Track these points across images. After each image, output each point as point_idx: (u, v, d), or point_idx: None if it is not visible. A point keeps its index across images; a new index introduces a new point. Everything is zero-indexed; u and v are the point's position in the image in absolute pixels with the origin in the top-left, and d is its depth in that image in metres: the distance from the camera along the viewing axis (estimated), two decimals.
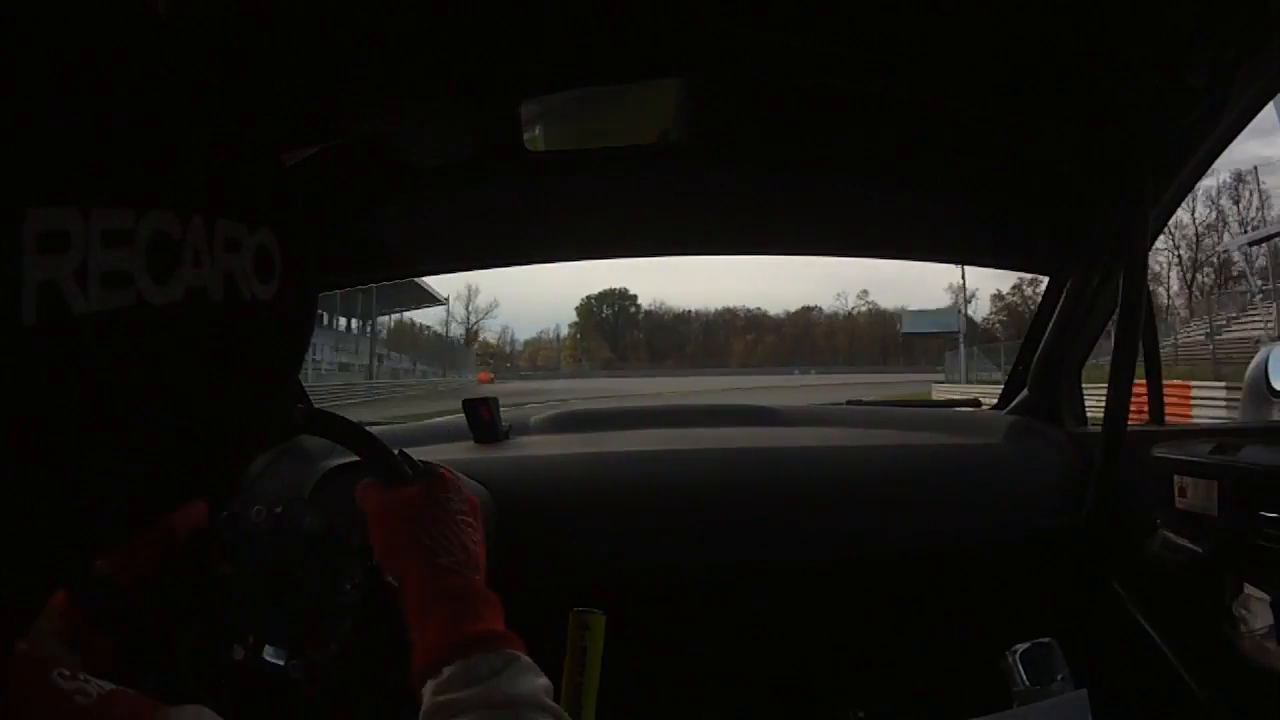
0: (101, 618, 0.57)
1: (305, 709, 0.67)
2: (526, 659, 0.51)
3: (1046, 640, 0.95)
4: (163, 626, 0.66)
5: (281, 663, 0.66)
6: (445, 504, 0.60)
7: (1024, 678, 0.93)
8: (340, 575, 0.69)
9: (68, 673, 0.28)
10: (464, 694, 0.48)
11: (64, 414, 0.22)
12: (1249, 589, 0.87)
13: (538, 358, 61.92)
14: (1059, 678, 0.92)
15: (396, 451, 0.70)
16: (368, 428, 0.72)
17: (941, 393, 16.72)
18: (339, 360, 27.83)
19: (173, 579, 0.67)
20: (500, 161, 1.09)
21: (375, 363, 31.76)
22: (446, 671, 0.49)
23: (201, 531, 0.69)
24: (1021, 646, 0.95)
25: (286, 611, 0.68)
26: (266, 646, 0.67)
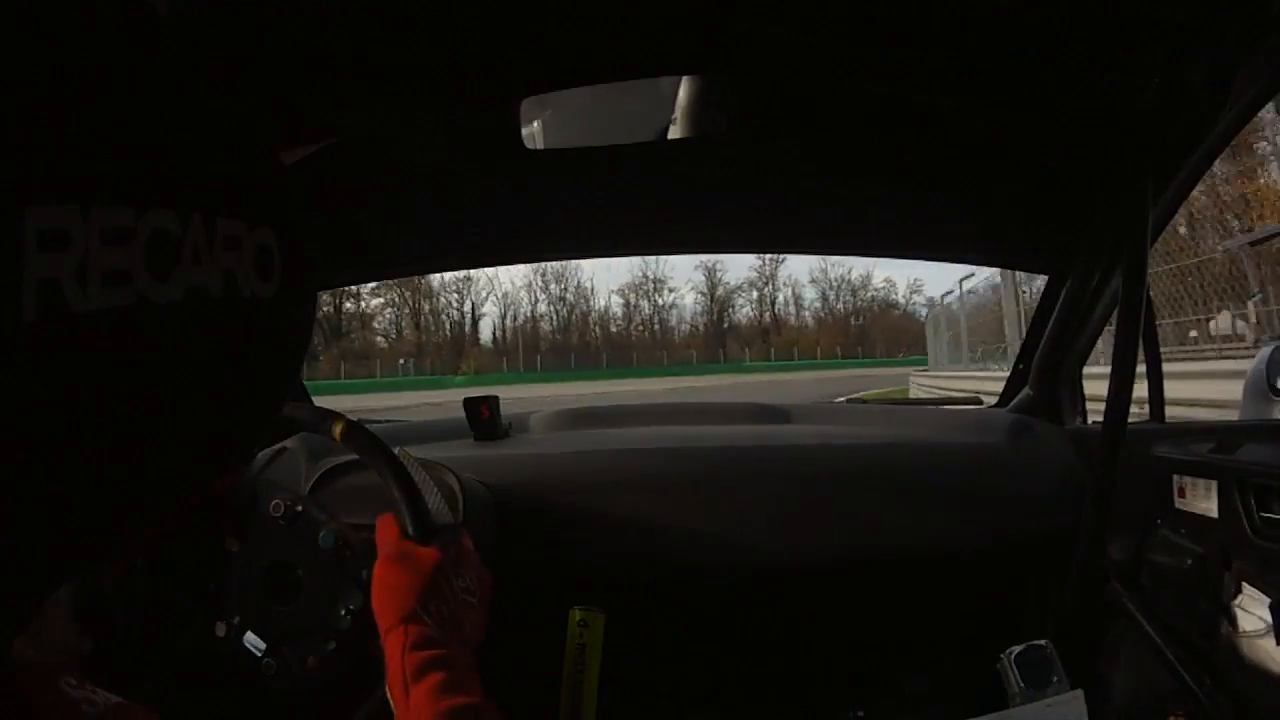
0: (94, 628, 0.57)
1: (269, 703, 0.67)
2: None
3: (1041, 643, 0.95)
4: (146, 604, 0.66)
5: (258, 654, 0.66)
6: (453, 579, 0.60)
7: (1018, 680, 0.93)
8: (339, 596, 0.68)
9: (74, 682, 0.28)
10: None
11: (63, 412, 0.22)
12: (1249, 589, 0.87)
13: None
14: (1054, 679, 0.92)
15: (431, 490, 0.69)
16: (367, 425, 0.72)
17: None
18: None
19: (177, 543, 0.67)
20: (500, 161, 1.09)
21: None
22: None
23: (215, 503, 0.69)
24: (1016, 649, 0.95)
25: (278, 609, 0.68)
26: (249, 633, 0.67)
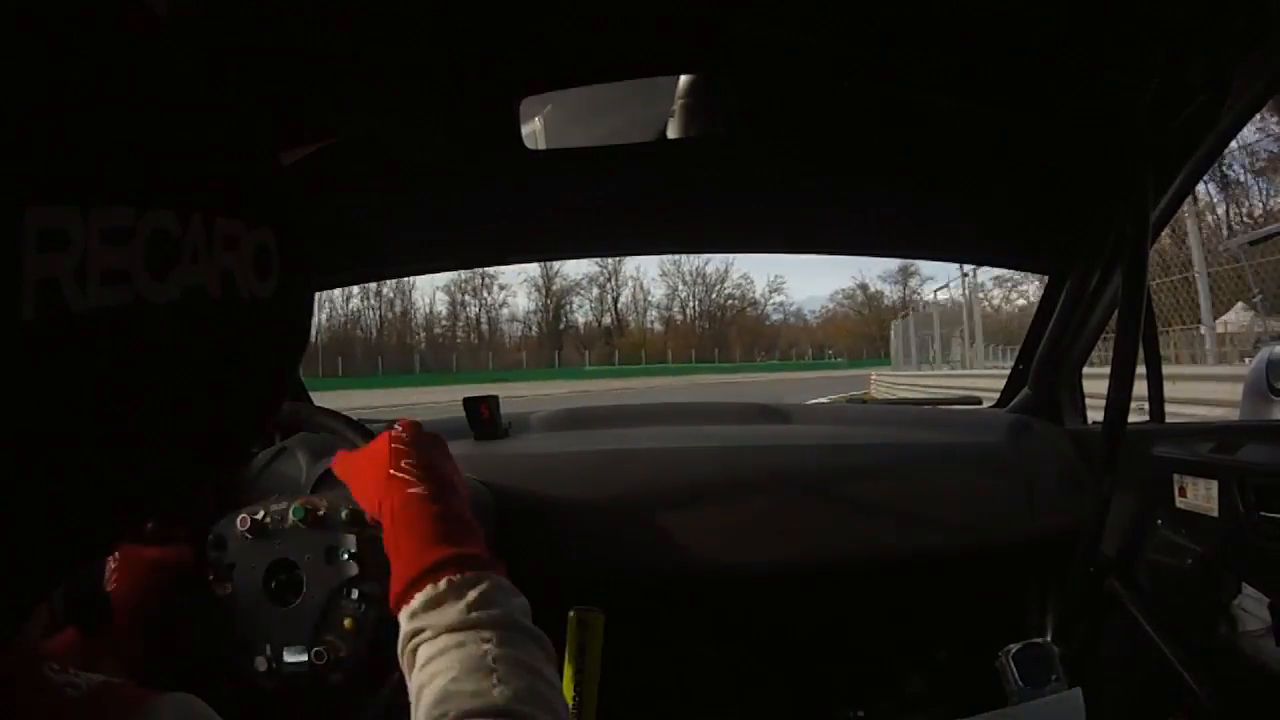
0: (91, 625, 0.57)
1: (335, 696, 0.68)
2: (504, 580, 0.50)
3: (1040, 641, 0.95)
4: (178, 648, 0.67)
5: (304, 659, 0.67)
6: (409, 441, 0.60)
7: (1017, 678, 0.93)
8: (335, 551, 0.69)
9: (58, 666, 0.28)
10: (438, 617, 0.46)
11: (63, 411, 0.22)
12: (1248, 589, 0.88)
13: None
14: (1053, 678, 0.92)
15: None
16: (368, 425, 0.73)
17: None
18: None
19: (174, 614, 0.68)
20: (500, 161, 1.09)
21: None
22: (418, 597, 0.47)
23: (191, 565, 0.70)
24: (1015, 647, 0.95)
25: (294, 610, 0.69)
26: (285, 650, 0.67)
